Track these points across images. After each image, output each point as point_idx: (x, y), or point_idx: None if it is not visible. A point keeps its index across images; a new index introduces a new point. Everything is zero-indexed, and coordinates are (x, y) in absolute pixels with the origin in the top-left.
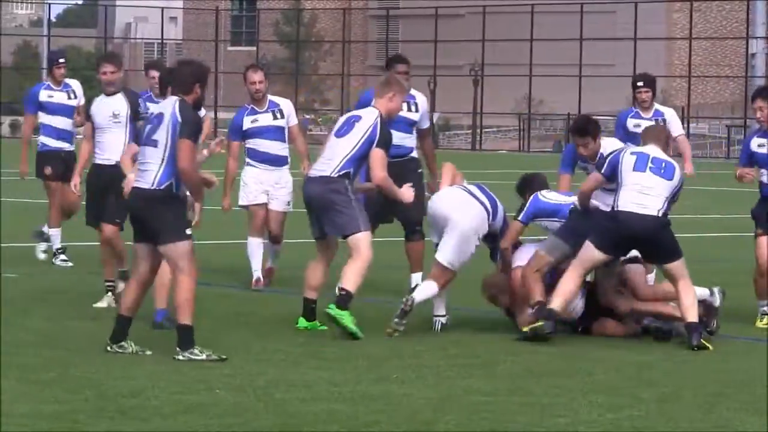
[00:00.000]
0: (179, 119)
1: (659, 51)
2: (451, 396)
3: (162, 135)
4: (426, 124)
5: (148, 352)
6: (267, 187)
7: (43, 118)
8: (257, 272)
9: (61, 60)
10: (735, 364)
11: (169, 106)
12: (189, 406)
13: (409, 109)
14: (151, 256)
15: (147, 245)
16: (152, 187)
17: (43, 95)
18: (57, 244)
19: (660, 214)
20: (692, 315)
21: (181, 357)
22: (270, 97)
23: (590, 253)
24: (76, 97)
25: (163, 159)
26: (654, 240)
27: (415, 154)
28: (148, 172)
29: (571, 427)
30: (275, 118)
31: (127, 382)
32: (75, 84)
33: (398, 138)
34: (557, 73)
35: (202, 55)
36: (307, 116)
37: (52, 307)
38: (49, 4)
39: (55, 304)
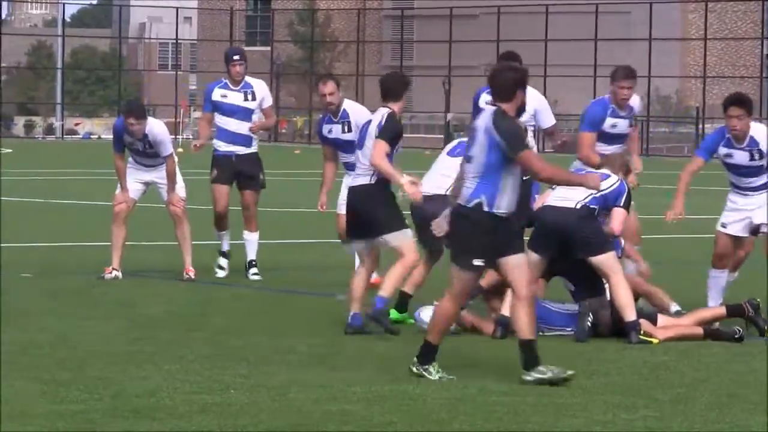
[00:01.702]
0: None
1: (674, 52)
2: (466, 396)
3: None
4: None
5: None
6: None
7: (217, 118)
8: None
9: (236, 57)
10: (750, 365)
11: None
12: (204, 406)
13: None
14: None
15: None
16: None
17: (216, 94)
18: (225, 246)
19: (578, 206)
20: (629, 314)
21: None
22: (344, 105)
23: (529, 256)
24: (254, 98)
25: None
26: (569, 232)
27: None
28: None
29: (585, 428)
30: (344, 131)
31: (142, 382)
32: (258, 84)
33: None
34: (572, 73)
35: (216, 55)
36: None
37: (67, 307)
38: (64, 3)
39: (71, 305)
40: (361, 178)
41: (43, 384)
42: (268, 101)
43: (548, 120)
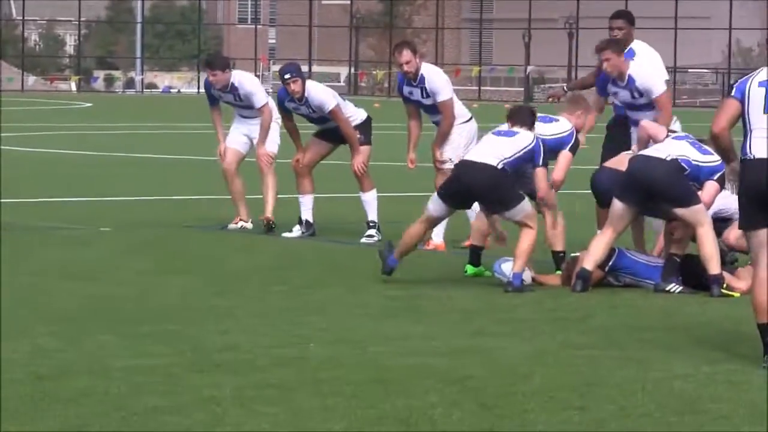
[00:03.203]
0: None
1: (756, 4)
2: (547, 350)
3: None
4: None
5: None
6: None
7: None
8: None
9: (287, 76)
10: None
11: None
12: (284, 360)
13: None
14: None
15: None
16: None
17: (289, 106)
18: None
19: (668, 159)
20: (713, 267)
21: None
22: (422, 70)
23: (614, 205)
24: (317, 111)
25: None
26: (660, 182)
27: None
28: None
29: (666, 381)
30: (422, 96)
31: (222, 336)
32: (315, 94)
33: None
34: (652, 26)
35: (296, 9)
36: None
37: (146, 262)
38: None
39: (150, 259)
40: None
41: (123, 338)
42: (328, 106)
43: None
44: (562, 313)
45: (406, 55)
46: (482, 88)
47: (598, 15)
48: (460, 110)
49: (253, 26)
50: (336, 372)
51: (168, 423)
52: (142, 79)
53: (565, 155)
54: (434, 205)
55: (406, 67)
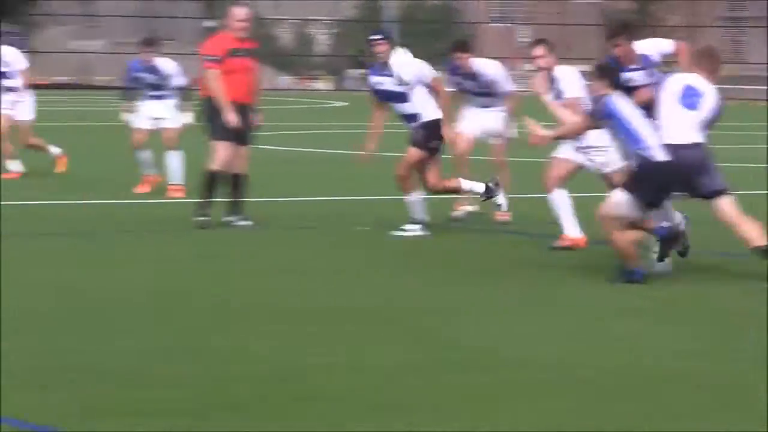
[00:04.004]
0: None
1: None
2: None
3: None
4: None
5: None
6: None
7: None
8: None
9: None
10: None
11: None
12: (544, 362)
13: None
14: None
15: None
16: None
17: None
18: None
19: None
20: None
21: None
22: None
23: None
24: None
25: None
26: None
27: None
28: None
29: None
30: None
31: (479, 334)
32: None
33: None
34: None
35: (547, 8)
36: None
37: (416, 261)
38: None
39: (390, 260)
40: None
41: (367, 338)
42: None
43: None
44: None
45: (539, 50)
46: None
47: None
48: None
49: (504, 25)
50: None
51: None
52: None
53: None
54: (627, 207)
55: (540, 62)
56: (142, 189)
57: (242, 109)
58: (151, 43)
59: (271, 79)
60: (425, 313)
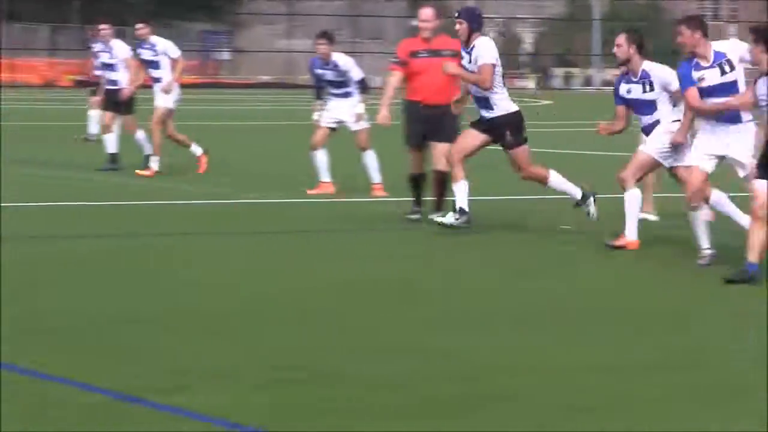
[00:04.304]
0: None
1: None
2: None
3: None
4: None
5: None
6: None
7: None
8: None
9: None
10: None
11: None
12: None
13: None
14: None
15: None
16: None
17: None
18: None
19: None
20: None
21: None
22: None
23: None
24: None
25: None
26: None
27: None
28: None
29: None
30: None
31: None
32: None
33: None
34: None
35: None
36: None
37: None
38: None
39: (612, 257)
40: None
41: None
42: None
43: None
44: None
45: (621, 38)
46: None
47: None
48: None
49: (714, 23)
50: None
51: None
52: (600, 76)
53: None
54: None
55: (617, 50)
56: (318, 191)
57: (432, 109)
58: (326, 38)
59: None
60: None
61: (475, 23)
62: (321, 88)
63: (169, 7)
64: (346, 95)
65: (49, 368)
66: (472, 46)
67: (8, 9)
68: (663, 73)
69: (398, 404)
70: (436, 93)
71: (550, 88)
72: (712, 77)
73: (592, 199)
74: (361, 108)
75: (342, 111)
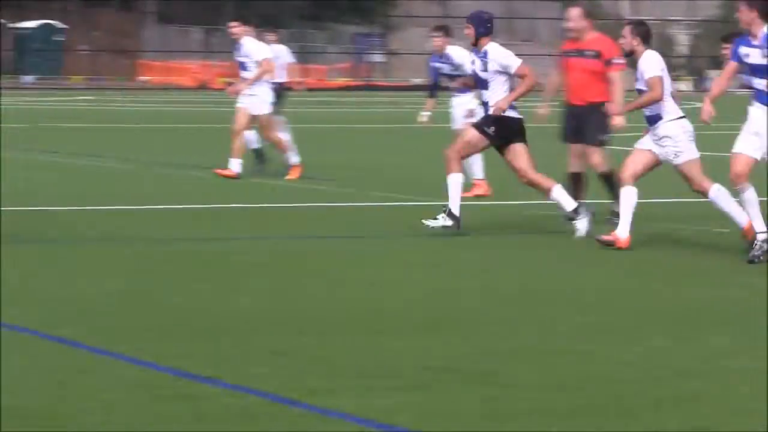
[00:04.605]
0: None
1: None
2: None
3: None
4: None
5: None
6: None
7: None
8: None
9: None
10: None
11: None
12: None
13: None
14: None
15: None
16: None
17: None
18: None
19: None
20: None
21: None
22: None
23: None
24: None
25: None
26: None
27: None
28: None
29: None
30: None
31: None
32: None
33: None
34: None
35: None
36: None
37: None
38: None
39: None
40: None
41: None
42: None
43: None
44: None
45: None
46: None
47: None
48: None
49: None
50: None
51: None
52: None
53: None
54: None
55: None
56: (473, 193)
57: (574, 109)
58: (441, 31)
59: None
60: None
61: (482, 28)
62: (436, 87)
63: (324, 10)
64: (467, 91)
65: (196, 368)
66: (484, 51)
67: (162, 11)
68: None
69: (564, 407)
70: (576, 93)
71: (705, 89)
72: (755, 56)
73: (585, 216)
74: (473, 104)
75: (465, 109)
